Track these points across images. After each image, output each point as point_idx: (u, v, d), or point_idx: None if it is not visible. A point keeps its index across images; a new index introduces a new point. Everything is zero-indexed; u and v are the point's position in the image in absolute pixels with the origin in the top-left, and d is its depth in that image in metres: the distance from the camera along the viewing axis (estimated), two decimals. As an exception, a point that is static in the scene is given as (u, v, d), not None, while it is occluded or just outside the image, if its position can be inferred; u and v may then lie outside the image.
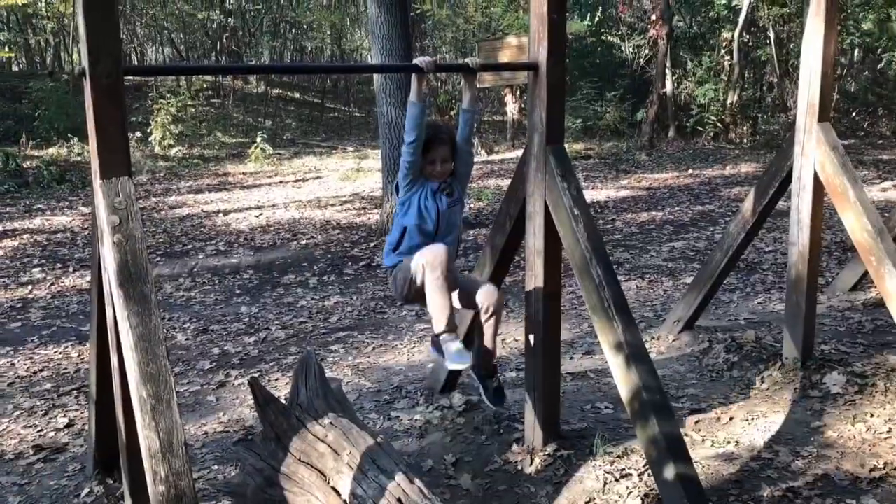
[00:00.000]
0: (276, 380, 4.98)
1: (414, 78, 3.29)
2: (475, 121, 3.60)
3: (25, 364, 5.45)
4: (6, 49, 21.01)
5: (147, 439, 2.37)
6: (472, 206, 10.34)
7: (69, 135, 15.65)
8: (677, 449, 2.97)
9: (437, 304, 3.13)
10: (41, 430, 4.36)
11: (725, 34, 17.88)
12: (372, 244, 8.65)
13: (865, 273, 5.54)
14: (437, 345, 3.26)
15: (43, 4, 21.04)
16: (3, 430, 4.39)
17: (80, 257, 8.37)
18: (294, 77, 24.76)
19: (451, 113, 18.91)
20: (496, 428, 3.96)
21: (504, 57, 15.83)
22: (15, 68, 23.49)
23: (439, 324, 3.15)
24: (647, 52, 18.55)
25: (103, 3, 2.57)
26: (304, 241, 8.94)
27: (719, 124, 17.61)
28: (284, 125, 21.14)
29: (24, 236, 9.41)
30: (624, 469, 3.49)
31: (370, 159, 15.38)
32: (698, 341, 5.15)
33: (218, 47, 23.24)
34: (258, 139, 16.14)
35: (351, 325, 6.10)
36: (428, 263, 3.12)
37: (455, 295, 3.35)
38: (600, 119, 18.26)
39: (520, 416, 3.98)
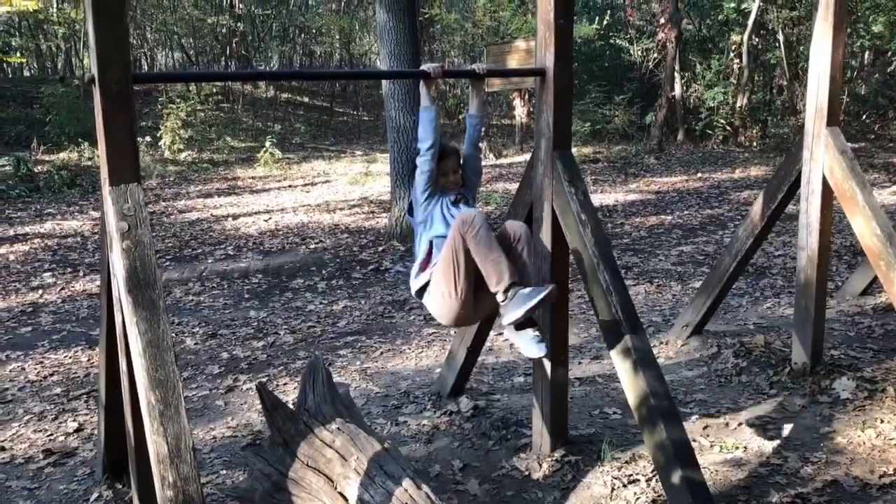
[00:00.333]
0: (285, 384, 5.00)
1: (422, 84, 3.30)
2: (483, 126, 3.61)
3: (36, 368, 5.49)
4: (18, 54, 21.19)
5: (155, 444, 2.38)
6: (480, 210, 10.32)
7: (80, 139, 15.75)
8: (685, 454, 2.96)
9: (493, 259, 2.99)
10: (51, 435, 4.38)
11: (734, 37, 17.84)
12: (380, 248, 8.66)
13: (875, 278, 5.51)
14: (518, 327, 3.10)
15: (54, 10, 21.20)
16: (14, 434, 4.42)
17: (91, 262, 8.42)
18: (303, 81, 24.86)
19: (460, 117, 18.95)
20: (504, 433, 3.96)
21: (513, 61, 15.85)
22: (26, 73, 23.68)
23: (503, 278, 2.98)
24: (655, 55, 18.52)
25: (113, 12, 2.59)
26: (312, 246, 8.96)
27: (728, 128, 17.56)
28: (293, 129, 21.21)
29: (35, 241, 9.47)
30: (632, 475, 3.48)
31: (379, 163, 15.41)
32: (707, 346, 5.13)
33: (227, 52, 23.37)
34: (267, 143, 16.20)
35: (359, 330, 6.11)
36: (465, 224, 3.01)
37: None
38: (609, 123, 18.24)
39: (527, 421, 3.98)
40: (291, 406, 3.46)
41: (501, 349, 5.45)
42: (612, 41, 19.57)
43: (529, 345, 3.11)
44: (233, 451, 4.06)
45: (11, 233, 9.92)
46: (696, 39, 19.58)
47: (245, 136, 19.58)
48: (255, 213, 11.12)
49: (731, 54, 18.06)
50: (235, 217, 10.82)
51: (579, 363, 5.09)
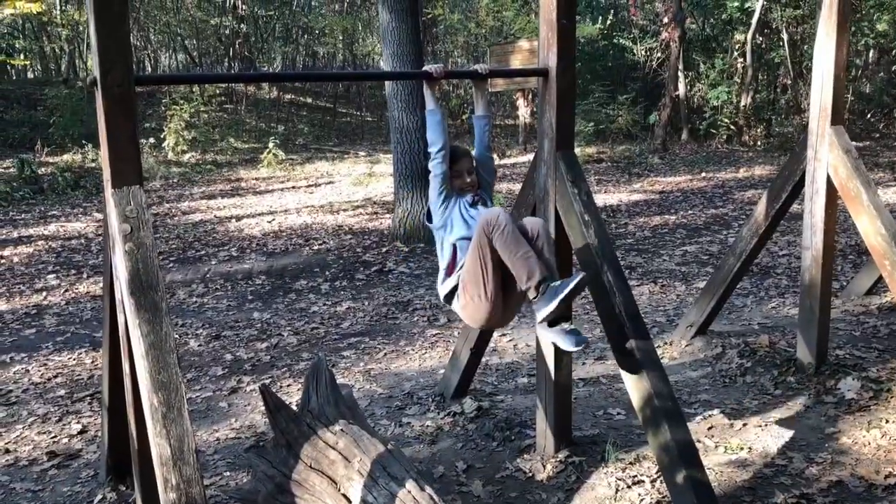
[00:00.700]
0: (288, 386, 4.99)
1: (426, 86, 3.29)
2: (491, 125, 3.59)
3: (40, 370, 5.49)
4: (22, 57, 21.24)
5: (158, 447, 2.38)
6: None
7: (83, 141, 15.78)
8: (689, 455, 2.95)
9: (521, 256, 2.93)
10: (55, 437, 4.39)
11: (738, 36, 17.80)
12: (384, 249, 8.66)
13: (880, 277, 5.49)
14: (551, 324, 3.05)
15: (58, 12, 21.25)
16: (18, 436, 4.42)
17: (94, 263, 8.43)
18: (306, 82, 24.88)
19: (464, 117, 18.94)
20: (507, 434, 3.95)
21: (516, 60, 15.85)
22: (30, 75, 23.74)
23: (534, 274, 2.92)
24: (659, 54, 18.49)
25: (115, 14, 2.59)
26: (316, 247, 8.96)
27: (732, 127, 17.52)
28: (297, 130, 21.22)
29: (39, 243, 9.48)
30: (636, 476, 3.48)
31: (382, 164, 15.42)
32: (711, 346, 5.12)
33: (231, 53, 23.40)
34: (270, 144, 16.21)
35: (362, 331, 6.10)
36: (490, 224, 2.95)
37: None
38: (612, 122, 18.22)
39: (531, 422, 3.97)
40: (295, 408, 3.46)
41: (505, 350, 5.45)
42: (615, 41, 19.54)
43: (565, 339, 3.03)
44: (236, 452, 4.05)
45: (16, 235, 9.94)
46: (700, 39, 19.54)
47: (248, 138, 19.60)
48: (259, 214, 11.13)
49: (735, 53, 18.02)
50: (239, 218, 10.82)
51: (583, 364, 5.08)
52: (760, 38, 17.90)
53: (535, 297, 2.97)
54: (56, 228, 10.33)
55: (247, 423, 4.45)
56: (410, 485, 2.83)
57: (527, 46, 15.77)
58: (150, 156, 15.86)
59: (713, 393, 4.47)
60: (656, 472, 3.42)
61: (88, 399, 4.92)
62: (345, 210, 11.17)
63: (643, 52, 19.12)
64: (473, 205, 3.29)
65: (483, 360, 4.62)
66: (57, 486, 3.81)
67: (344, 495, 2.96)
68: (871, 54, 19.02)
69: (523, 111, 17.49)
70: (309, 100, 24.90)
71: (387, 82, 9.38)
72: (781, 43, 17.68)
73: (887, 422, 3.88)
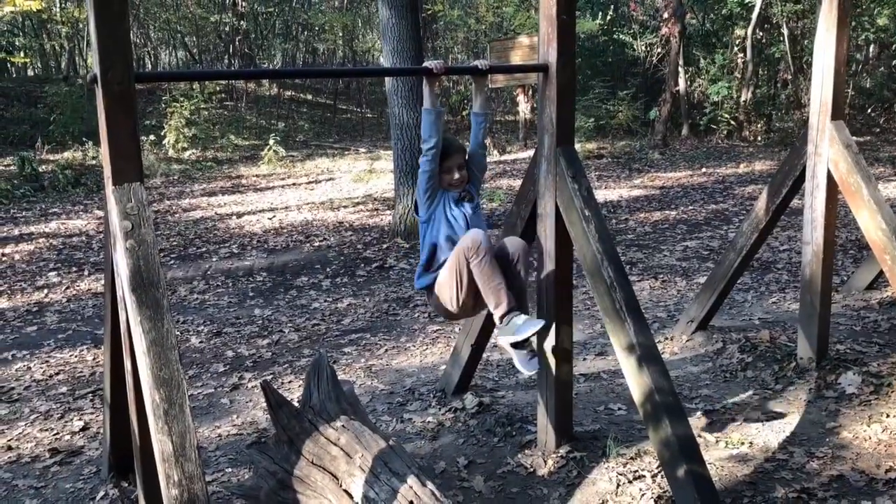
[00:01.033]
0: (290, 382, 5.00)
1: (425, 83, 3.30)
2: (488, 122, 3.60)
3: (41, 367, 5.50)
4: (22, 54, 21.21)
5: (160, 443, 2.38)
6: (484, 207, 10.33)
7: (84, 139, 15.77)
8: (690, 450, 2.95)
9: (494, 286, 3.14)
10: (57, 434, 4.40)
11: (738, 31, 17.77)
12: (384, 245, 8.66)
13: (881, 272, 5.49)
14: (517, 346, 3.29)
15: (58, 10, 21.22)
16: (20, 433, 4.43)
17: (96, 261, 8.44)
18: (306, 79, 24.85)
19: (464, 113, 18.93)
20: (509, 430, 3.96)
21: (516, 57, 15.84)
22: (30, 73, 23.69)
23: (501, 304, 3.16)
24: (659, 50, 18.46)
25: (114, 12, 2.59)
26: (316, 243, 8.97)
27: (733, 122, 17.51)
28: (297, 127, 21.21)
29: (40, 240, 9.49)
30: (637, 471, 3.48)
31: (382, 160, 15.41)
32: (712, 341, 5.12)
33: (231, 50, 23.38)
34: (271, 141, 16.20)
35: (363, 327, 6.11)
36: (470, 250, 3.12)
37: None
38: (613, 118, 18.20)
39: (532, 417, 3.98)
40: (296, 404, 3.46)
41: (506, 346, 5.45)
42: (615, 36, 19.50)
43: (521, 361, 3.33)
44: (238, 449, 4.06)
45: (17, 232, 9.95)
46: (700, 34, 19.51)
47: (249, 134, 19.59)
48: (260, 211, 11.13)
49: (735, 48, 17.99)
50: (240, 215, 10.83)
51: (584, 359, 5.08)
52: (761, 34, 17.87)
53: (499, 325, 3.24)
54: (57, 226, 10.34)
55: (248, 420, 4.46)
56: (412, 480, 2.84)
57: (527, 42, 15.76)
58: (150, 153, 15.85)
59: (714, 388, 4.48)
60: (657, 467, 3.42)
61: (90, 396, 4.93)
62: (345, 207, 11.17)
63: (643, 48, 19.09)
64: (458, 202, 3.35)
65: (484, 355, 4.63)
66: (59, 483, 3.82)
67: (346, 491, 2.97)
68: (871, 49, 18.99)
69: (523, 107, 17.47)
70: (309, 96, 24.88)
71: (387, 79, 9.37)
72: (782, 38, 17.65)
73: (888, 416, 3.88)
